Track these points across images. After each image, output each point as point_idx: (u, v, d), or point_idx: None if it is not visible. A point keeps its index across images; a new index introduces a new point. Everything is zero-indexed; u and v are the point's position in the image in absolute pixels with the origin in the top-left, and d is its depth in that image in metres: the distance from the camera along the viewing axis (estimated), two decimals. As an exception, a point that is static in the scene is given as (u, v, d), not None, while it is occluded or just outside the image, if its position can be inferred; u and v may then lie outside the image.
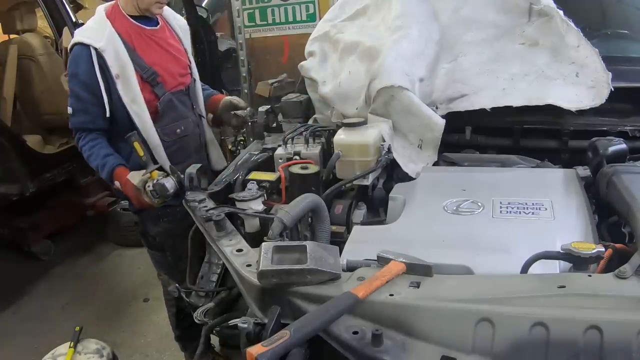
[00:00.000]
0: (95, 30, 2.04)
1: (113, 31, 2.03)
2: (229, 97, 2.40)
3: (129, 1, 2.08)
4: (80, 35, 2.03)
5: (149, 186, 1.89)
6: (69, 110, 2.08)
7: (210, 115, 2.44)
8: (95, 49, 1.97)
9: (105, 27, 2.03)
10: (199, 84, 2.35)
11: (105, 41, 1.99)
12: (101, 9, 2.11)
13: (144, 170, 1.92)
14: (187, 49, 2.31)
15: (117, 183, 2.04)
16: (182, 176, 1.83)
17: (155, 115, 2.11)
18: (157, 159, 2.09)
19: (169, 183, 1.85)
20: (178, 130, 2.20)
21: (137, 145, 1.89)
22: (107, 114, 2.04)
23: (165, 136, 2.15)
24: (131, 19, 2.10)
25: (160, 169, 1.97)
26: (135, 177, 1.94)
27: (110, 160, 2.04)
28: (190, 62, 2.29)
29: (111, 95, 2.02)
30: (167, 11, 2.27)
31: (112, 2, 2.14)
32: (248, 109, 2.34)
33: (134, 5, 2.08)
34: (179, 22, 2.32)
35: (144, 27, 2.13)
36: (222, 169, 2.35)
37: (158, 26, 2.19)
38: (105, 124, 2.09)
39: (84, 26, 2.14)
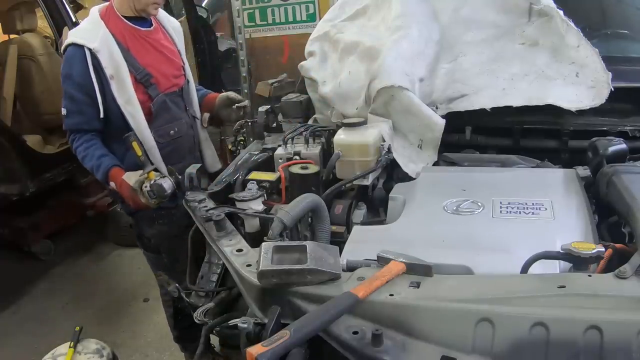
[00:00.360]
0: (90, 31, 2.03)
1: (107, 32, 2.02)
2: (225, 93, 2.40)
3: (124, 2, 2.07)
4: (74, 36, 2.02)
5: (146, 187, 1.88)
6: (63, 111, 2.07)
7: (207, 115, 2.43)
8: (90, 49, 1.97)
9: (100, 27, 2.03)
10: (192, 86, 2.34)
11: (99, 42, 1.98)
12: (95, 10, 2.10)
13: (140, 171, 1.92)
14: (181, 50, 2.30)
15: (112, 184, 2.03)
16: (179, 177, 1.83)
17: (149, 117, 2.11)
18: (152, 160, 2.08)
19: (167, 184, 1.85)
20: (172, 132, 2.19)
21: (135, 145, 1.89)
22: (101, 115, 2.03)
23: (159, 137, 2.15)
24: (125, 20, 2.10)
25: (157, 170, 1.96)
26: (131, 178, 1.94)
27: (105, 161, 2.04)
28: (184, 64, 2.29)
29: (105, 96, 2.02)
30: (161, 13, 2.27)
31: (107, 3, 2.13)
32: (247, 100, 2.35)
33: (130, 6, 2.08)
34: (172, 24, 2.32)
35: (138, 28, 2.13)
36: (216, 171, 2.35)
37: (152, 27, 2.18)
38: (99, 125, 2.08)
39: (77, 27, 2.14)
